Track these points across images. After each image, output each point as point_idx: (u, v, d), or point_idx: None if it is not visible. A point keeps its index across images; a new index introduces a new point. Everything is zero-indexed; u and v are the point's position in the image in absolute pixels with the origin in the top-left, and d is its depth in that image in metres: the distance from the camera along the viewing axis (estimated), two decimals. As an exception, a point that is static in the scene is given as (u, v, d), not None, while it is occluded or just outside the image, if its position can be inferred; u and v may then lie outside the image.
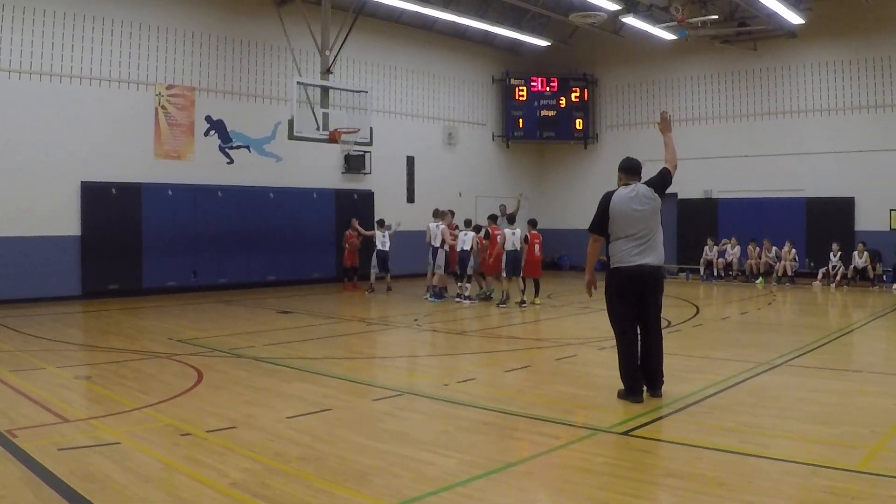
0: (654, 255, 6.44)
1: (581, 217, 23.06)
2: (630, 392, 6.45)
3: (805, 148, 19.89)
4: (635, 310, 6.47)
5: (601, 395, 6.86)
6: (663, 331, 6.79)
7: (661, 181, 6.57)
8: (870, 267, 17.84)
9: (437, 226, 15.18)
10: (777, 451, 4.97)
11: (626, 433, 5.51)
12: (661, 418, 5.96)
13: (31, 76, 14.48)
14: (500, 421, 5.97)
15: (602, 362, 8.70)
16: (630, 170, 6.65)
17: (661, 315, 6.72)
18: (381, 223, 16.80)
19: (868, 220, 18.96)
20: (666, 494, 4.29)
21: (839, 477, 4.47)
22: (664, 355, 6.61)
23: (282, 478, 4.57)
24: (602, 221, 6.54)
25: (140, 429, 5.66)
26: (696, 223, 21.12)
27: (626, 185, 6.57)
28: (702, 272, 20.26)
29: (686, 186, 19.84)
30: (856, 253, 18.03)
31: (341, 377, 7.73)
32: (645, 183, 6.56)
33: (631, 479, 4.55)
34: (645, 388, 6.49)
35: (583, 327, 12.04)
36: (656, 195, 6.49)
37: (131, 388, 7.11)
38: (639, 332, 6.52)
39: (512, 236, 14.15)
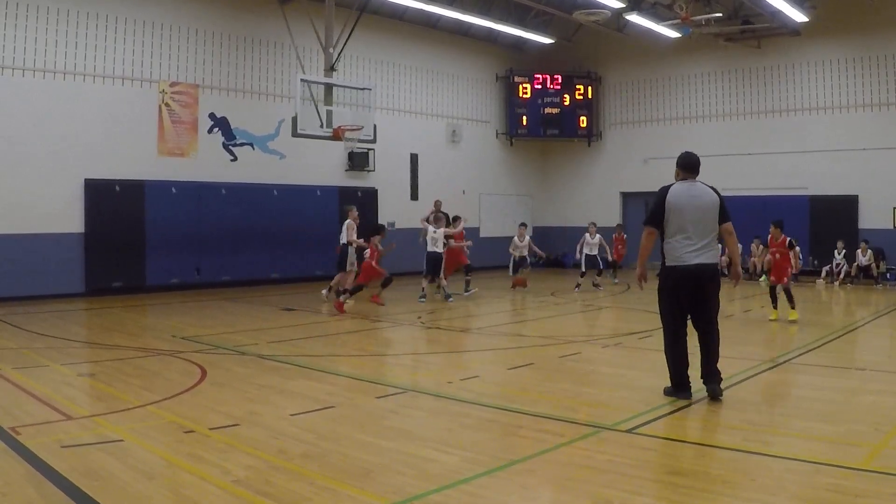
0: (711, 254, 6.32)
1: (585, 215, 23.37)
2: (678, 389, 6.42)
3: (809, 146, 19.84)
4: (688, 309, 6.38)
5: (605, 393, 6.86)
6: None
7: (726, 207, 6.42)
8: (873, 265, 17.81)
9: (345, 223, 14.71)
10: (780, 449, 4.96)
11: (629, 431, 5.50)
12: (664, 416, 5.96)
13: (34, 73, 14.50)
14: (504, 418, 5.97)
15: (606, 360, 8.71)
16: (688, 166, 6.46)
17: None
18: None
19: (872, 218, 18.91)
20: (669, 492, 4.28)
21: (843, 475, 4.46)
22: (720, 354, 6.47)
23: (285, 475, 4.57)
24: (658, 214, 6.33)
25: (143, 426, 5.66)
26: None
27: (684, 179, 6.43)
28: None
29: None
30: (859, 251, 18.00)
31: (345, 374, 7.74)
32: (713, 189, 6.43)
33: (634, 477, 4.55)
34: (708, 391, 6.36)
35: (586, 325, 12.03)
36: (716, 194, 6.35)
37: (135, 386, 7.12)
38: (688, 329, 6.43)
39: (433, 234, 14.55)
